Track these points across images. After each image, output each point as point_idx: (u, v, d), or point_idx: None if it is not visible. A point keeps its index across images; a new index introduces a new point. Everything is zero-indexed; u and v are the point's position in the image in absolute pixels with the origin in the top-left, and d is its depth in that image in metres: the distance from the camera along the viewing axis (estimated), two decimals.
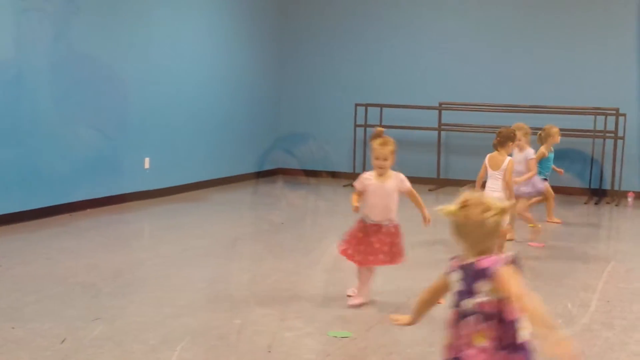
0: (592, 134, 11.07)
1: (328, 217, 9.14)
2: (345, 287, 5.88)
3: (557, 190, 11.22)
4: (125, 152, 9.46)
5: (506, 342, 2.65)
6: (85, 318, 4.91)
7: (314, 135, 12.62)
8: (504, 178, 6.90)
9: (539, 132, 8.79)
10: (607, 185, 11.06)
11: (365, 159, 12.19)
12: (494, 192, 6.96)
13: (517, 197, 7.70)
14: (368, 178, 5.45)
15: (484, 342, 2.65)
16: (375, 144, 5.38)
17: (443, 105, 11.84)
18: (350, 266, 5.64)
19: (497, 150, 7.01)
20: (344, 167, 12.44)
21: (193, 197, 10.25)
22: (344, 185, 11.80)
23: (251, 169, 12.20)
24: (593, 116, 11.16)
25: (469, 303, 2.69)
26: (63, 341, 4.47)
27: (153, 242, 7.69)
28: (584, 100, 11.25)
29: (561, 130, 11.13)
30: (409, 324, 3.13)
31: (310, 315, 5.11)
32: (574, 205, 10.60)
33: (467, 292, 2.71)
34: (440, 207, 2.80)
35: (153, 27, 9.85)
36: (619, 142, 10.92)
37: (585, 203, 10.75)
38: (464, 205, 2.73)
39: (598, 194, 11.15)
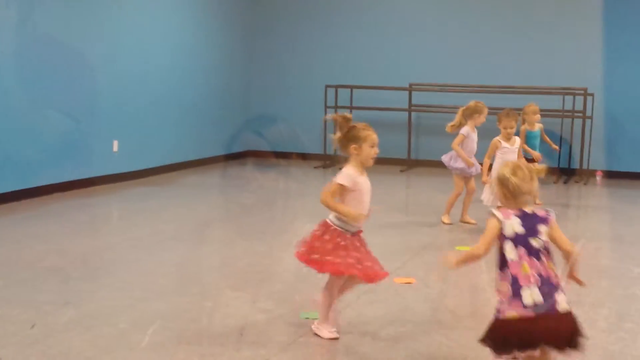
0: (561, 113, 11.16)
1: (299, 199, 9.13)
2: None
3: None
4: (94, 135, 9.35)
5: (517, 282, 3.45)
6: (55, 303, 4.85)
7: (284, 117, 12.56)
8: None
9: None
10: (575, 165, 11.16)
11: None
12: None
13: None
14: (355, 174, 4.39)
15: (554, 268, 3.47)
16: (369, 129, 4.55)
17: (413, 86, 11.84)
18: None
19: None
20: (315, 149, 12.40)
21: (162, 180, 10.17)
22: (315, 167, 11.78)
23: (221, 151, 12.13)
24: (562, 96, 11.24)
25: (537, 241, 3.47)
26: (33, 326, 4.42)
27: (122, 225, 7.62)
28: (553, 80, 11.33)
29: None
30: (454, 267, 3.63)
31: (282, 297, 5.10)
32: (544, 184, 10.67)
33: (532, 233, 3.47)
34: (500, 171, 3.58)
35: (122, 10, 9.71)
36: (588, 121, 11.01)
37: (554, 182, 10.84)
38: (516, 170, 3.54)
39: (567, 173, 11.25)
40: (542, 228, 3.50)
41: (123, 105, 9.82)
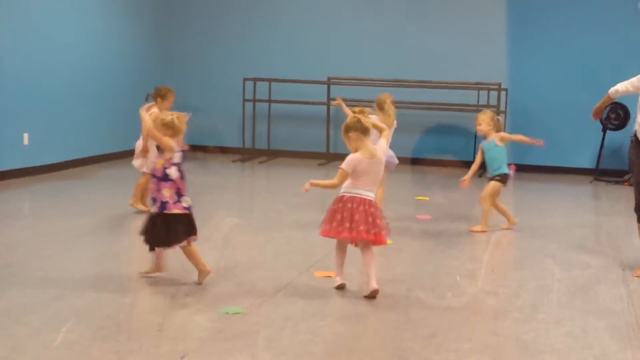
0: (475, 108, 11.37)
1: (218, 193, 9.05)
2: (236, 262, 5.85)
3: (442, 163, 11.51)
4: (2, 128, 9.04)
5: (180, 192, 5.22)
6: None
7: (202, 110, 12.41)
8: None
9: None
10: None
11: (255, 134, 12.11)
12: None
13: None
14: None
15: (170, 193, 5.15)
16: None
17: (332, 80, 11.88)
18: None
19: None
20: (233, 142, 12.32)
21: (77, 174, 9.92)
22: (233, 161, 11.70)
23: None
24: (476, 91, 11.47)
25: (173, 172, 5.20)
26: None
27: (34, 221, 7.39)
28: (469, 75, 11.53)
29: (446, 105, 11.45)
30: None
31: (201, 292, 5.05)
32: (459, 177, 10.85)
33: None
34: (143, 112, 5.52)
35: None
36: (501, 115, 11.25)
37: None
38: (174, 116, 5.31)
39: (481, 167, 11.43)
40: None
41: (34, 97, 9.52)
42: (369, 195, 5.08)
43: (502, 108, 11.21)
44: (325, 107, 12.01)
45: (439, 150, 11.58)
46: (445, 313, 4.84)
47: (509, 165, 11.33)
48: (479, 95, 11.48)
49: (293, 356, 4.04)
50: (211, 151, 12.20)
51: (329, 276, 5.47)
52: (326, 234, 5.14)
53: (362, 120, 5.08)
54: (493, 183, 7.32)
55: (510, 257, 6.50)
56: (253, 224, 7.44)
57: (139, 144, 7.57)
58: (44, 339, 4.13)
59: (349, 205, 5.03)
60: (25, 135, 9.46)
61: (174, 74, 12.62)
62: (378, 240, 5.06)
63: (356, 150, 5.09)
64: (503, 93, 11.19)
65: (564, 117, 11.49)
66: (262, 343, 4.21)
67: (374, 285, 5.02)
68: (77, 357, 3.91)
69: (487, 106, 11.27)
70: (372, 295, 5.02)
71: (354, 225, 4.99)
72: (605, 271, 5.99)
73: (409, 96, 11.59)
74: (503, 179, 7.33)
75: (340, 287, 5.20)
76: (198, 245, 6.44)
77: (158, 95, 7.60)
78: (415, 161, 11.38)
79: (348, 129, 5.09)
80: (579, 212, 8.65)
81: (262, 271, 5.61)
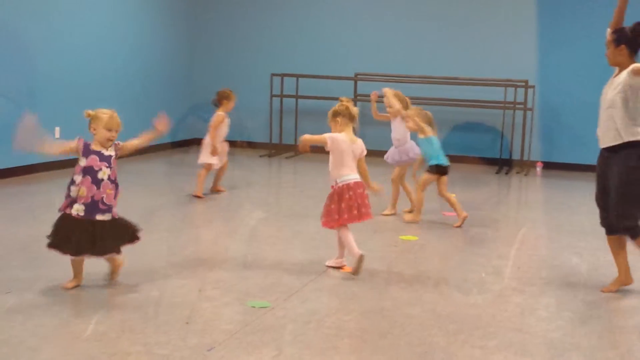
0: (502, 105, 11.32)
1: (245, 187, 9.10)
2: (263, 256, 5.88)
3: (469, 160, 11.47)
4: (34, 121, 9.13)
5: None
6: None
7: None
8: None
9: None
10: (517, 156, 11.35)
11: (282, 130, 12.15)
12: None
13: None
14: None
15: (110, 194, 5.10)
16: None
17: (359, 76, 11.89)
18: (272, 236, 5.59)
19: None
20: (261, 137, 12.38)
21: None
22: (261, 156, 11.75)
23: (166, 138, 11.98)
24: (503, 88, 11.40)
25: (104, 173, 5.02)
26: None
27: None
28: (496, 72, 11.48)
29: (473, 101, 11.40)
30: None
31: (228, 285, 5.09)
32: (485, 175, 10.85)
33: (100, 167, 4.99)
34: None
35: None
36: (528, 113, 11.20)
37: (496, 173, 11.01)
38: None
39: (508, 164, 11.43)
40: (107, 165, 5.02)
41: (65, 91, 9.62)
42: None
43: (529, 105, 11.16)
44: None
45: (464, 147, 11.55)
46: (471, 309, 4.84)
47: (535, 162, 11.39)
48: (505, 92, 11.41)
49: (318, 350, 4.06)
50: (239, 146, 12.26)
51: None
52: (339, 223, 5.43)
53: (350, 108, 5.59)
54: (426, 175, 7.39)
55: (537, 255, 6.47)
56: (280, 218, 7.48)
57: (207, 142, 8.33)
58: (73, 330, 4.19)
59: (360, 190, 5.48)
60: (57, 129, 9.56)
61: (202, 69, 12.72)
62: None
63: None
64: (530, 90, 11.13)
65: (592, 115, 11.30)
66: (287, 337, 4.24)
67: (359, 251, 5.37)
68: (106, 349, 3.96)
69: (514, 103, 11.23)
70: (360, 262, 5.34)
71: (358, 209, 5.43)
72: (632, 270, 5.93)
73: (436, 93, 11.57)
74: (436, 169, 7.33)
75: (361, 260, 5.34)
76: (226, 238, 6.53)
77: (224, 97, 8.37)
78: None
79: (336, 114, 5.58)
80: None
81: (289, 265, 5.64)
